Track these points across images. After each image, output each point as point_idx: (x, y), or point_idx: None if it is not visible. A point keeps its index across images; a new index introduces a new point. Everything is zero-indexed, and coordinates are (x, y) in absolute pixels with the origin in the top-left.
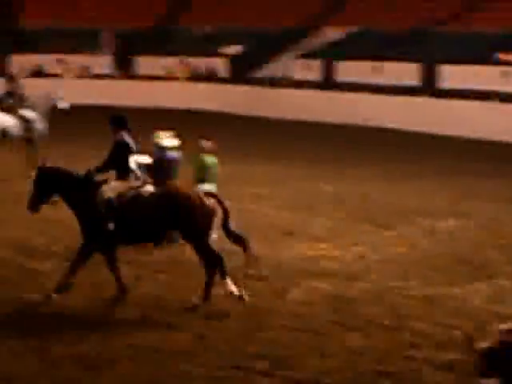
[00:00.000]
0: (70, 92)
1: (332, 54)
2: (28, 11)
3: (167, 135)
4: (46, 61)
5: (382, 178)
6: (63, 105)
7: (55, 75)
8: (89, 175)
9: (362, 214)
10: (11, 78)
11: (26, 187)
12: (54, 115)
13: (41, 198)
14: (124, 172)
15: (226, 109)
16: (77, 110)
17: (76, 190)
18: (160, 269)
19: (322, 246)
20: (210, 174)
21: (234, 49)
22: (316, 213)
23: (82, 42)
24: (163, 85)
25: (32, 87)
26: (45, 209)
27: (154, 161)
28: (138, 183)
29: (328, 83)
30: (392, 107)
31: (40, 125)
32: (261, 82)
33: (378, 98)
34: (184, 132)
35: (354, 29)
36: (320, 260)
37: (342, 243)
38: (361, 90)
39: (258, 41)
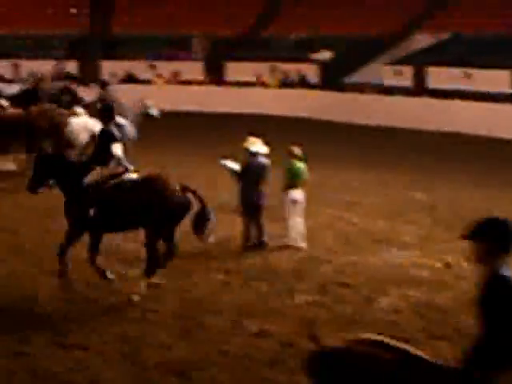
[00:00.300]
0: (161, 98)
1: (423, 60)
2: (119, 18)
3: (257, 141)
4: (138, 67)
5: (472, 185)
6: (154, 112)
7: (147, 81)
8: (80, 163)
9: (453, 221)
10: (103, 85)
11: None
12: (145, 121)
13: (39, 181)
14: (107, 160)
15: (316, 115)
16: (167, 116)
17: (68, 176)
18: (250, 275)
19: (413, 253)
20: (300, 179)
21: (324, 55)
22: (407, 220)
23: (173, 48)
24: (253, 91)
25: (123, 93)
26: None
27: (244, 166)
28: (119, 170)
29: (419, 89)
30: (483, 114)
31: (130, 131)
32: (351, 88)
33: (470, 104)
34: (274, 138)
35: (446, 35)
36: (410, 268)
37: (433, 251)
38: (452, 97)
39: (349, 47)
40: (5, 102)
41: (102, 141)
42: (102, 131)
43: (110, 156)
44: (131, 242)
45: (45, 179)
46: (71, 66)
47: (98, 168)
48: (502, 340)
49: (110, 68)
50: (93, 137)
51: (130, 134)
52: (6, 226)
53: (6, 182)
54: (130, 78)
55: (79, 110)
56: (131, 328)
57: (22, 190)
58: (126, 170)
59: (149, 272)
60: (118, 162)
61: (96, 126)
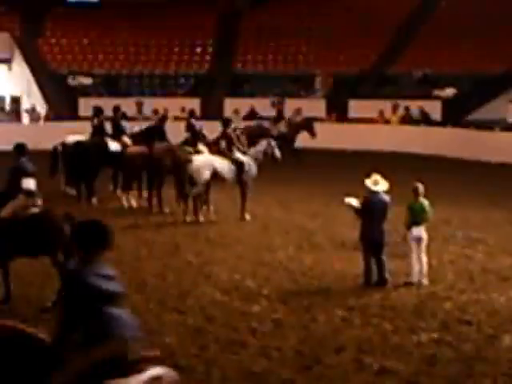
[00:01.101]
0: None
1: None
2: (243, 56)
3: (379, 178)
4: (261, 104)
5: None
6: (277, 154)
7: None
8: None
9: None
10: (225, 122)
11: (239, 230)
12: (267, 159)
13: None
14: (16, 193)
15: (439, 152)
16: (291, 153)
17: None
18: (370, 312)
19: None
20: (423, 216)
21: (448, 92)
22: None
23: (297, 85)
24: (376, 128)
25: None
26: (263, 252)
27: (365, 203)
28: (24, 205)
29: None
30: None
31: (251, 168)
32: (475, 125)
33: None
34: (396, 174)
35: None
36: None
37: None
38: None
39: (473, 83)
40: (128, 140)
41: (14, 176)
42: (15, 167)
43: (20, 190)
44: (251, 278)
45: None
46: (195, 104)
47: (11, 202)
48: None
49: (233, 105)
50: (214, 174)
51: (251, 171)
52: (129, 262)
53: (128, 218)
54: (253, 115)
55: (202, 147)
56: (254, 364)
57: (144, 226)
58: (33, 204)
59: None
60: (29, 195)
61: (218, 163)
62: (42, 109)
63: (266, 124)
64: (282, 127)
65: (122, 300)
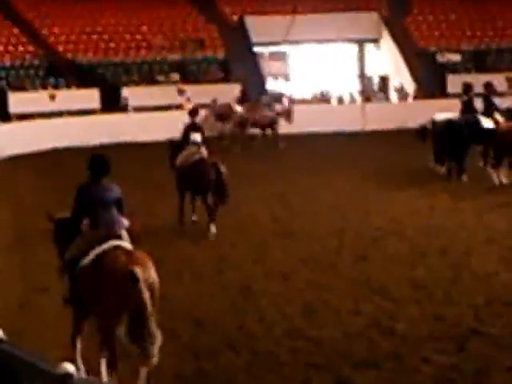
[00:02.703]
0: None
1: None
2: None
3: None
4: None
5: None
6: None
7: None
8: None
9: None
10: None
11: None
12: None
13: None
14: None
15: None
16: None
17: None
18: None
19: None
20: None
21: None
22: None
23: None
24: None
25: None
26: None
27: None
28: (191, 153)
29: None
30: None
31: None
32: None
33: None
34: None
35: None
36: None
37: None
38: None
39: None
40: (499, 117)
41: (186, 131)
42: (186, 126)
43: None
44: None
45: None
46: None
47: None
48: None
49: None
50: None
51: None
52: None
53: (500, 195)
54: None
55: None
56: None
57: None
58: (198, 152)
59: None
60: (194, 145)
61: None
62: (410, 87)
63: None
64: None
65: (116, 205)
